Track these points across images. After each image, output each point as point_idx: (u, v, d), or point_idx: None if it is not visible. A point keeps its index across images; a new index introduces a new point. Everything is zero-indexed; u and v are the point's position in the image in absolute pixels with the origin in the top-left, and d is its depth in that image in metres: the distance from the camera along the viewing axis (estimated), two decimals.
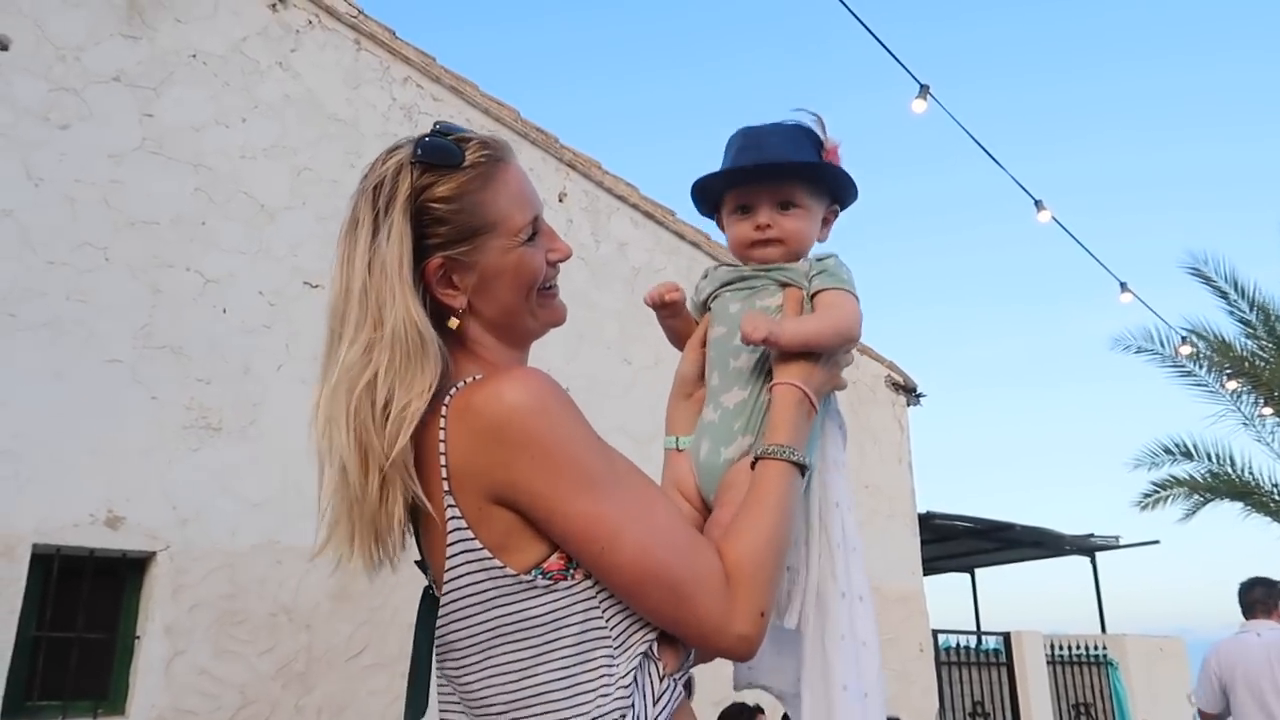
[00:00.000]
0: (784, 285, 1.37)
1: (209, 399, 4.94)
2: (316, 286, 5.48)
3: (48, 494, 4.39)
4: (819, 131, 1.44)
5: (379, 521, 1.11)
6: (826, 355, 1.31)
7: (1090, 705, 11.30)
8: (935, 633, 9.61)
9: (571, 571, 1.08)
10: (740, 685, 1.42)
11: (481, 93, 6.55)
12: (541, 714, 1.07)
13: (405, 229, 1.14)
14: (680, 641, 1.13)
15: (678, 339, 1.51)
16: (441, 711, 1.19)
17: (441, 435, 1.10)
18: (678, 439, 1.40)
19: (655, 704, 1.09)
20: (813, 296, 1.35)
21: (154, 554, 4.64)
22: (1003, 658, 10.68)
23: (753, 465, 1.23)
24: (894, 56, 5.74)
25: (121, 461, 4.61)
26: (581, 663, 1.07)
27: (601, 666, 1.07)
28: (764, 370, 1.32)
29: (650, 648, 1.11)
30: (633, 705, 1.07)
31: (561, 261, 1.30)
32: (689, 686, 1.18)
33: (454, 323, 1.19)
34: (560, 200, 6.88)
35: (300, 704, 4.87)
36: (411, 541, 1.20)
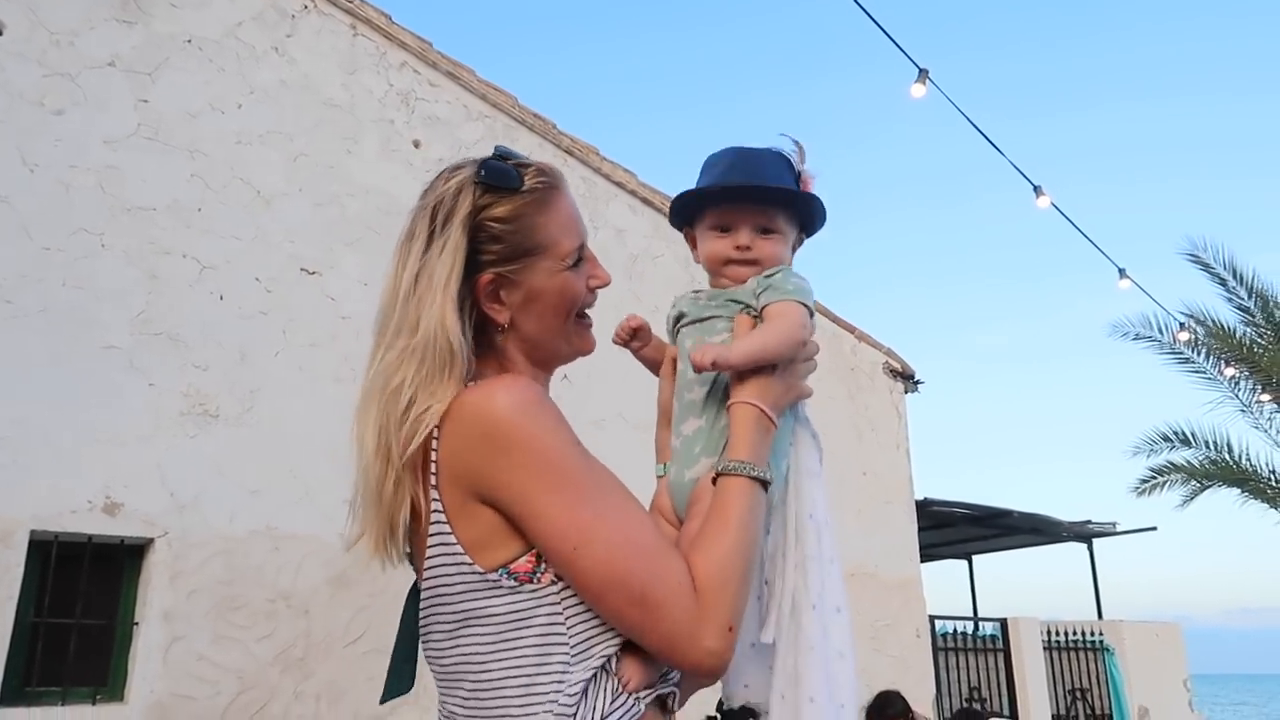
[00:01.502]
0: (735, 313, 1.39)
1: (206, 385, 4.94)
2: (313, 273, 5.47)
3: (45, 480, 4.39)
4: (798, 161, 1.47)
5: (393, 517, 1.18)
6: (781, 368, 1.32)
7: (1087, 690, 11.35)
8: (932, 619, 9.64)
9: (538, 575, 1.11)
10: (735, 703, 1.42)
11: (479, 78, 6.52)
12: (499, 710, 1.11)
13: (461, 242, 1.21)
14: (652, 659, 1.14)
15: (653, 367, 1.53)
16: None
17: (435, 433, 1.15)
18: (665, 465, 1.42)
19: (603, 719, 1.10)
20: (761, 311, 1.36)
21: (152, 540, 4.65)
22: (1000, 643, 10.72)
23: (714, 481, 1.24)
24: (893, 40, 5.71)
25: (119, 448, 4.61)
26: (539, 666, 1.10)
27: (557, 672, 1.10)
28: (718, 399, 1.34)
29: (608, 662, 1.13)
30: (575, 716, 1.08)
31: (601, 288, 1.35)
32: (665, 706, 1.19)
33: (501, 337, 1.27)
34: None
35: (299, 690, 4.88)
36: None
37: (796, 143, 1.47)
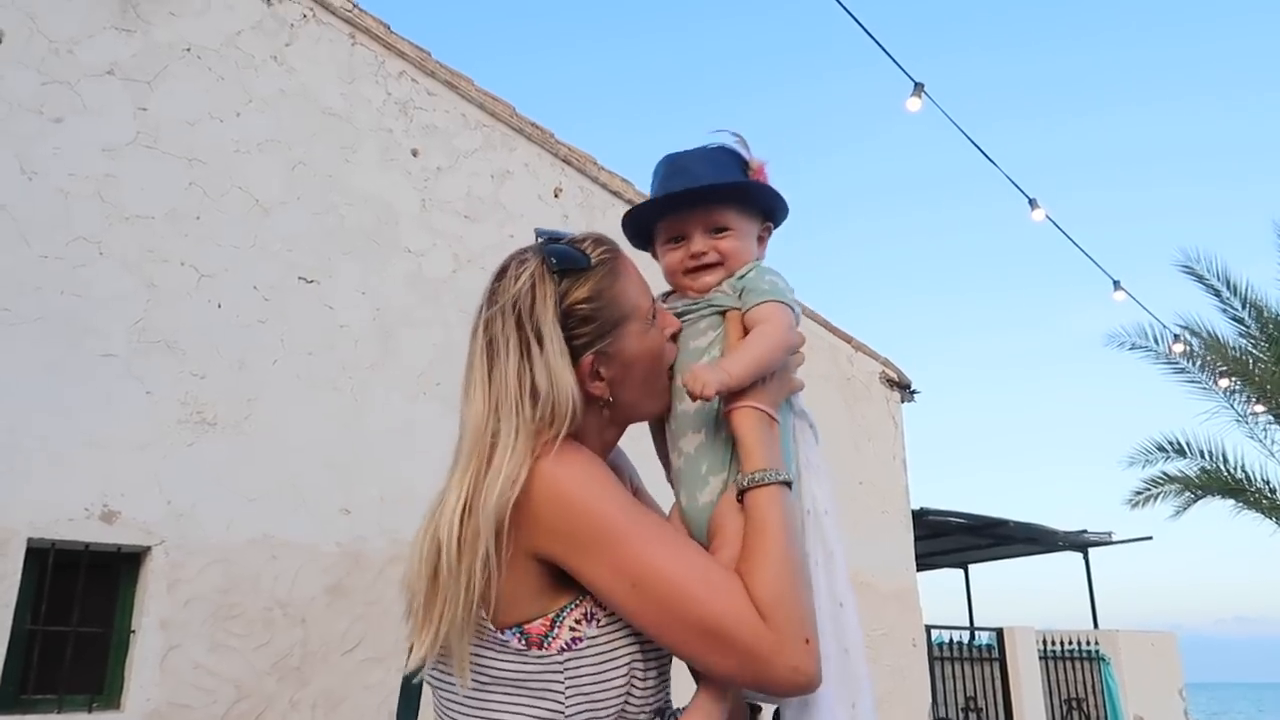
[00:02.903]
0: (720, 312, 1.36)
1: (204, 393, 4.94)
2: (311, 281, 5.48)
3: (43, 488, 4.39)
4: (743, 151, 1.43)
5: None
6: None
7: (1082, 700, 11.35)
8: (929, 628, 9.65)
9: (548, 641, 1.13)
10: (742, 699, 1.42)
11: (477, 87, 6.54)
12: None
13: (557, 334, 1.21)
14: None
15: None
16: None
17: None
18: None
19: None
20: (745, 315, 1.34)
21: (149, 548, 4.64)
22: (996, 653, 10.72)
23: (740, 498, 1.23)
24: (888, 54, 5.74)
25: (116, 456, 4.60)
26: None
27: None
28: (712, 408, 1.31)
29: None
30: None
31: (675, 335, 1.37)
32: None
33: (606, 414, 1.29)
34: (556, 196, 6.88)
35: (295, 698, 4.87)
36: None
37: (735, 134, 1.44)
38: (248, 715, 4.71)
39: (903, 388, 9.40)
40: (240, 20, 5.56)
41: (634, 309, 1.29)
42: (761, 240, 1.47)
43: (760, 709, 1.32)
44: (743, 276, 1.37)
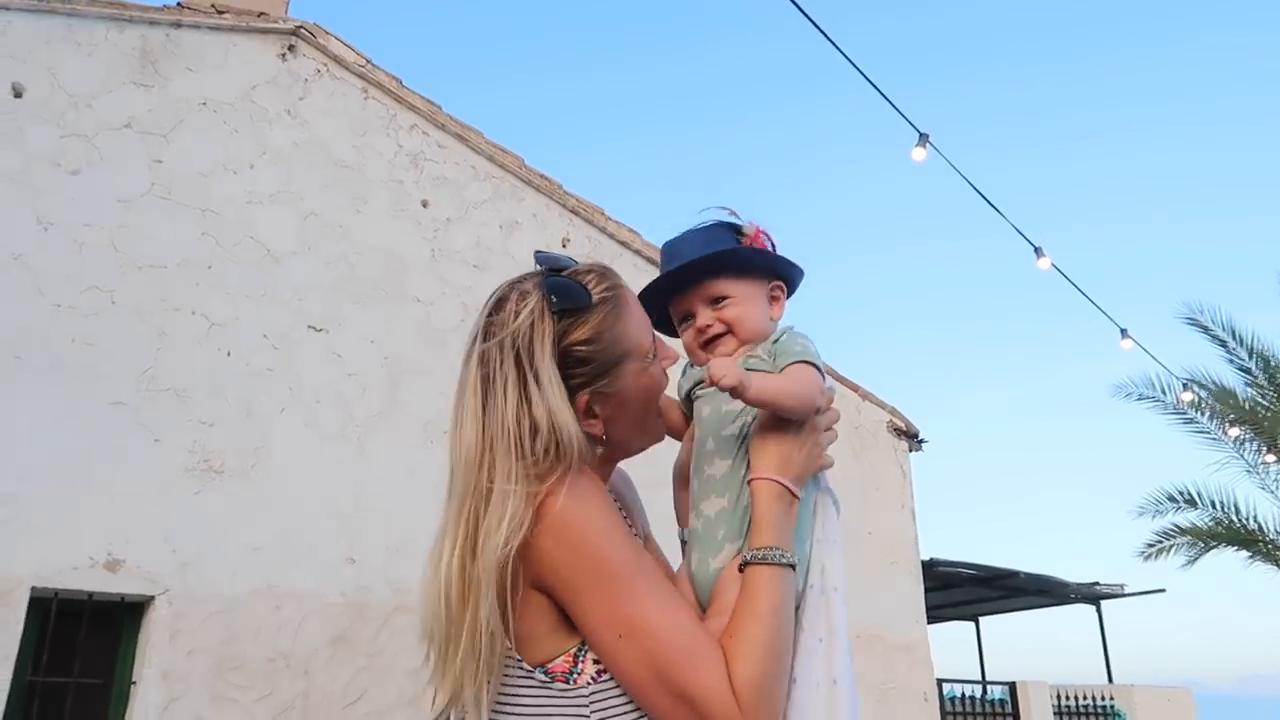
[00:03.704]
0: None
1: (211, 441, 4.95)
2: (320, 330, 5.52)
3: (48, 537, 4.38)
4: (735, 220, 1.45)
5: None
6: (803, 438, 1.31)
7: None
8: (940, 682, 9.49)
9: (574, 677, 1.13)
10: None
11: (486, 140, 6.64)
12: None
13: (555, 376, 1.20)
14: None
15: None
16: None
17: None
18: (687, 531, 1.39)
19: None
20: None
21: (152, 598, 4.61)
22: (1009, 708, 10.53)
23: (741, 570, 1.23)
24: (893, 105, 5.82)
25: (123, 504, 4.60)
26: None
27: None
28: (739, 474, 1.31)
29: None
30: None
31: (671, 366, 1.38)
32: None
33: (600, 450, 1.28)
34: (564, 246, 6.93)
35: None
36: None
37: (724, 208, 1.46)
38: None
39: (910, 437, 9.36)
40: (256, 75, 5.68)
41: (634, 348, 1.29)
42: (775, 300, 1.47)
43: None
44: (776, 341, 1.39)
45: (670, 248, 1.46)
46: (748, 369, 1.34)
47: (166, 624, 4.61)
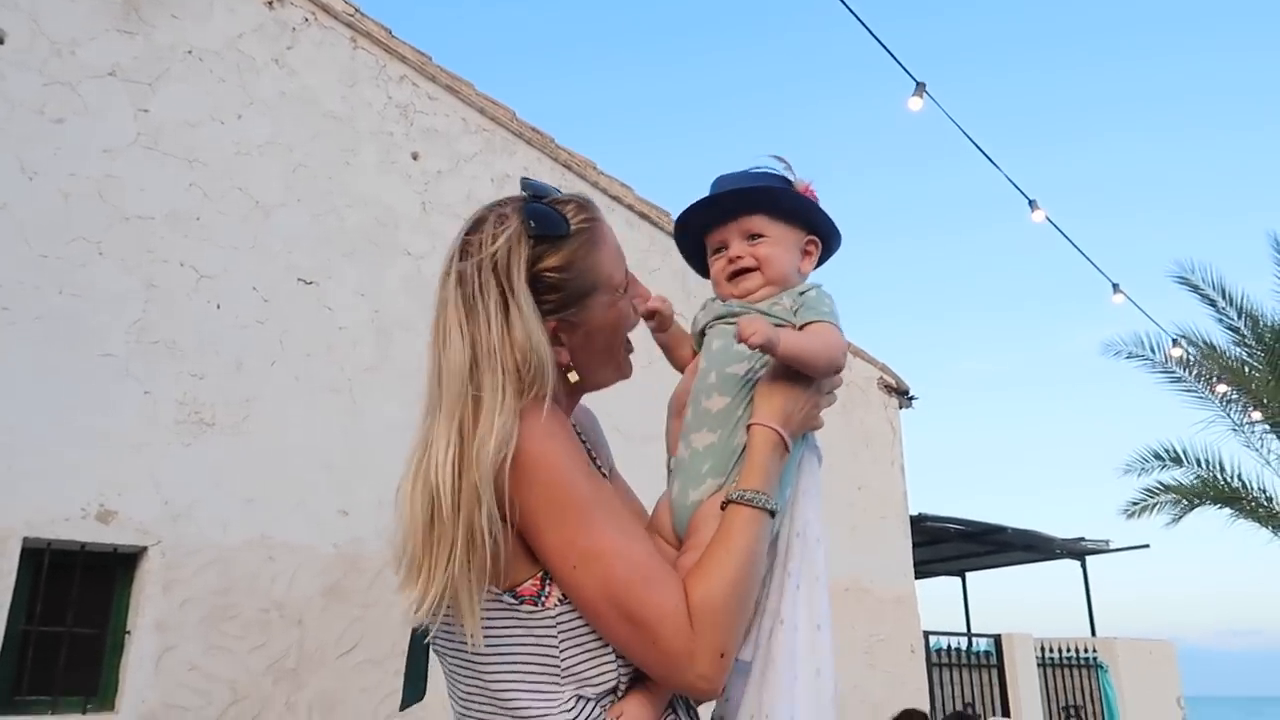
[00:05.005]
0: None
1: (202, 394, 4.94)
2: (310, 283, 5.48)
3: (39, 488, 4.38)
4: (787, 173, 1.46)
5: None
6: (809, 394, 1.33)
7: (1080, 707, 11.34)
8: (926, 634, 9.64)
9: (542, 599, 1.15)
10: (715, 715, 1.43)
11: (477, 92, 6.56)
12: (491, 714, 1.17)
13: (529, 299, 1.22)
14: (652, 706, 1.17)
15: (668, 353, 1.53)
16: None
17: None
18: (674, 460, 1.41)
19: None
20: (800, 329, 1.35)
21: (145, 549, 4.64)
22: (994, 660, 10.72)
23: (723, 506, 1.25)
24: (890, 53, 5.76)
25: (114, 456, 4.60)
26: (530, 682, 1.15)
27: (546, 691, 1.14)
28: (735, 414, 1.33)
29: (604, 695, 1.16)
30: None
31: (644, 306, 1.39)
32: None
33: (573, 377, 1.30)
34: None
35: (291, 700, 4.86)
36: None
37: (779, 158, 1.48)
38: (243, 717, 4.70)
39: (900, 393, 9.41)
40: (242, 23, 5.57)
41: (604, 280, 1.30)
42: (808, 255, 1.49)
43: None
44: (803, 293, 1.39)
45: (717, 181, 1.47)
46: (765, 313, 1.36)
47: (160, 575, 4.63)
